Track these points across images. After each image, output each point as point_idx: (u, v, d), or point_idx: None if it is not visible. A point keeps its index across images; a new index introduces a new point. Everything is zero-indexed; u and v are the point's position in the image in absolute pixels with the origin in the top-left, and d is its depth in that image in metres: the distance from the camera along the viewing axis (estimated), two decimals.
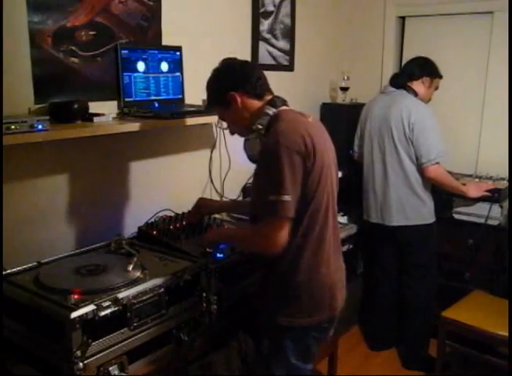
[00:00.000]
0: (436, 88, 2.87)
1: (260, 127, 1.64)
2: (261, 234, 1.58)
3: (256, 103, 1.69)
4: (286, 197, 1.50)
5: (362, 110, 2.95)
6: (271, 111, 1.65)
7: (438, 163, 2.62)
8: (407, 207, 2.72)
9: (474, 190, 2.78)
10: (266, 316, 1.73)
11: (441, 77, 2.84)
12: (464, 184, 2.81)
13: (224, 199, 2.74)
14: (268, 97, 1.71)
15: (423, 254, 2.80)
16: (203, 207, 2.11)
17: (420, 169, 2.66)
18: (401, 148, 2.68)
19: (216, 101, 1.74)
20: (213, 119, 2.38)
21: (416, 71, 2.79)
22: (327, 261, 1.67)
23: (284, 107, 1.70)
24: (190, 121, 2.16)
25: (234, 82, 1.68)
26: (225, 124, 1.86)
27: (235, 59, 1.75)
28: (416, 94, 2.75)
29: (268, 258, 1.66)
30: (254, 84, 1.68)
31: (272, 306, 1.69)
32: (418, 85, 2.78)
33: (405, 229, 2.75)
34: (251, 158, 1.74)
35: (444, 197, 2.91)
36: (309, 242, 1.62)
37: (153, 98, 2.22)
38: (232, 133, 1.82)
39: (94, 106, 1.93)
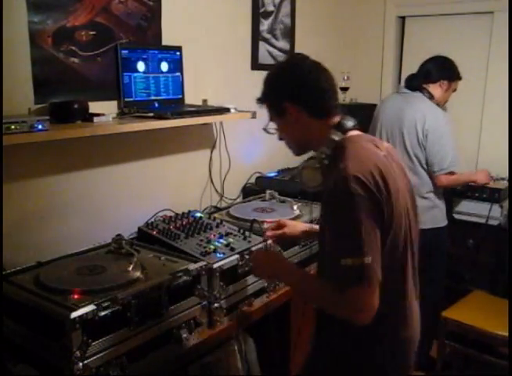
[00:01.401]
0: (454, 90, 2.75)
1: (323, 156, 1.40)
2: (346, 304, 1.28)
3: (317, 125, 1.42)
4: (367, 260, 1.22)
5: (376, 109, 2.92)
6: (337, 137, 1.39)
7: (450, 172, 2.59)
8: (420, 211, 2.70)
9: (483, 177, 2.79)
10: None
11: (460, 78, 2.72)
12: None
13: (224, 199, 2.74)
14: (336, 118, 1.42)
15: (433, 258, 2.77)
16: (286, 225, 1.83)
17: (432, 176, 2.63)
18: (412, 152, 2.63)
19: (269, 103, 1.49)
20: (213, 119, 2.38)
21: (434, 73, 2.68)
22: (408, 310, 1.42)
23: (352, 133, 1.42)
24: (190, 121, 2.16)
25: (293, 93, 1.40)
26: (271, 125, 1.55)
27: (305, 59, 1.45)
28: (431, 96, 2.67)
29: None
30: (318, 102, 1.40)
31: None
32: (435, 88, 2.68)
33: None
34: (306, 189, 1.50)
35: (444, 197, 2.91)
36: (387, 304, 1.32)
37: (153, 98, 2.22)
38: (280, 139, 1.54)
39: (94, 106, 1.93)
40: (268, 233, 1.85)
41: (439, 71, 2.68)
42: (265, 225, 2.14)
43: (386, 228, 1.30)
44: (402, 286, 1.40)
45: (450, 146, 2.59)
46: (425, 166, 2.64)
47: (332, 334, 1.46)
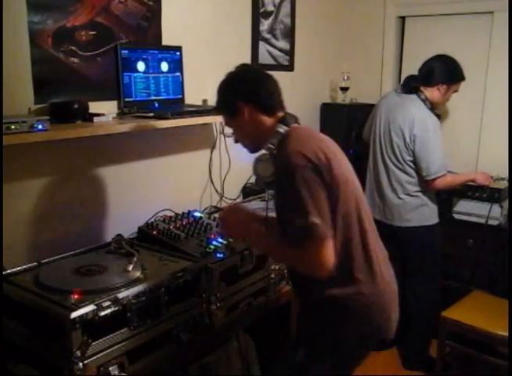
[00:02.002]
0: (455, 91, 2.72)
1: (271, 146, 1.57)
2: (303, 260, 1.50)
3: (266, 120, 1.61)
4: (315, 219, 1.42)
5: (375, 106, 2.94)
6: (282, 129, 1.57)
7: (440, 177, 2.59)
8: (408, 208, 2.71)
9: (482, 177, 2.78)
10: (303, 335, 1.68)
11: (462, 80, 2.68)
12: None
13: (224, 199, 2.74)
14: (280, 114, 1.62)
15: (425, 257, 2.78)
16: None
17: (424, 182, 2.64)
18: (399, 154, 2.66)
19: (224, 107, 1.67)
20: (213, 119, 2.38)
21: (434, 77, 2.64)
22: (379, 274, 1.56)
23: (295, 125, 1.62)
24: (190, 121, 2.16)
25: (245, 92, 1.59)
26: (228, 130, 1.77)
27: (251, 66, 1.69)
28: (427, 99, 2.66)
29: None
30: (267, 99, 1.60)
31: (311, 332, 1.63)
32: (432, 92, 2.66)
33: (406, 230, 2.74)
34: (264, 181, 1.64)
35: (444, 196, 2.91)
36: (351, 255, 1.53)
37: (153, 98, 2.22)
38: (236, 141, 1.72)
39: (94, 106, 1.93)
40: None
41: (439, 75, 2.64)
42: None
43: (334, 195, 1.48)
44: (365, 250, 1.54)
45: (438, 151, 2.58)
46: (414, 168, 2.66)
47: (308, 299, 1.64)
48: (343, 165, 1.56)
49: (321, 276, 1.47)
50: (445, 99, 2.74)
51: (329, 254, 1.45)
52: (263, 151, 1.64)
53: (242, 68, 1.68)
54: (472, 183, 2.86)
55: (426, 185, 2.66)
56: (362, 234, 1.55)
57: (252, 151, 1.68)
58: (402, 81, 2.85)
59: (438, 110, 2.74)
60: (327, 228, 1.45)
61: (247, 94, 1.59)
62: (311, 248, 1.45)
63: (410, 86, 2.73)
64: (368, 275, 1.54)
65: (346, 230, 1.51)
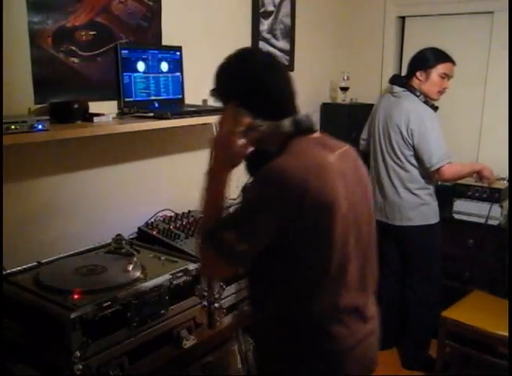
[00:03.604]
0: (448, 77, 2.68)
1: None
2: (201, 256, 1.35)
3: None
4: (243, 246, 1.23)
5: (372, 109, 2.96)
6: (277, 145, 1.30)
7: (444, 166, 2.58)
8: (408, 207, 2.72)
9: (488, 171, 2.77)
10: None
11: (438, 63, 2.65)
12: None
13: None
14: (286, 121, 1.30)
15: (425, 256, 2.79)
16: None
17: (428, 173, 2.65)
18: (399, 151, 2.67)
19: (218, 97, 1.40)
20: (213, 119, 2.37)
21: (409, 68, 2.75)
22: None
23: (302, 137, 1.31)
24: (190, 121, 2.16)
25: (240, 93, 1.30)
26: None
27: (258, 52, 1.38)
28: (419, 91, 2.68)
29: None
30: (265, 105, 1.29)
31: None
32: (415, 82, 2.71)
33: (406, 230, 2.74)
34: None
35: (444, 196, 2.91)
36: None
37: (153, 98, 2.22)
38: None
39: (94, 106, 1.93)
40: None
41: (411, 64, 2.75)
42: None
43: (302, 232, 1.23)
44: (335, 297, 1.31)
45: (437, 142, 2.59)
46: (414, 163, 2.65)
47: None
48: (341, 207, 1.25)
49: (204, 277, 1.56)
50: (433, 87, 2.69)
51: (224, 274, 1.46)
52: None
53: (243, 53, 1.37)
54: (473, 183, 2.86)
55: (434, 177, 2.66)
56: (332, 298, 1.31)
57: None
58: (389, 80, 2.87)
59: (434, 102, 2.74)
60: (248, 260, 1.28)
61: (242, 95, 1.30)
62: (215, 259, 1.28)
63: (400, 81, 2.77)
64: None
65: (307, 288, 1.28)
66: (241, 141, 1.30)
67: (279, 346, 1.36)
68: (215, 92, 1.40)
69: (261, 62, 1.33)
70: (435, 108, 2.71)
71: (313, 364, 1.32)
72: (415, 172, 2.68)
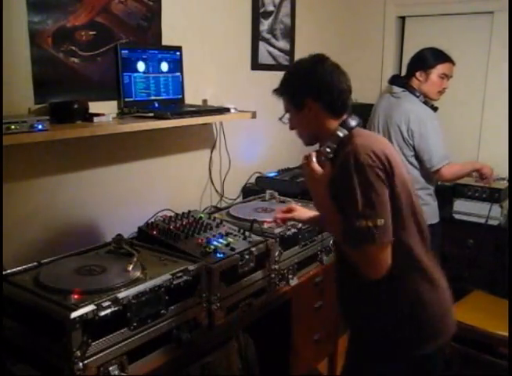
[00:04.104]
0: (447, 77, 2.68)
1: (328, 150, 1.51)
2: (359, 261, 1.43)
3: (330, 122, 1.54)
4: (380, 221, 1.36)
5: (372, 110, 2.95)
6: (342, 133, 1.51)
7: (444, 166, 2.58)
8: None
9: (488, 169, 2.74)
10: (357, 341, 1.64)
11: (438, 63, 2.66)
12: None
13: (224, 199, 2.74)
14: (345, 116, 1.55)
15: None
16: (296, 210, 1.94)
17: (428, 174, 2.65)
18: (399, 151, 2.65)
19: (289, 96, 1.59)
20: (213, 119, 2.38)
21: (408, 68, 2.75)
22: (434, 280, 1.55)
23: (358, 129, 1.55)
24: (190, 121, 2.16)
25: (318, 92, 1.52)
26: (286, 117, 1.65)
27: (329, 60, 1.59)
28: (418, 92, 2.68)
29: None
30: (338, 101, 1.53)
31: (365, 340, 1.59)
32: (415, 82, 2.70)
33: None
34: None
35: (444, 196, 2.91)
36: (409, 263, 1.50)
37: (153, 98, 2.22)
38: (291, 128, 1.65)
39: (94, 106, 1.93)
40: (278, 215, 1.96)
41: (411, 64, 2.74)
42: (265, 226, 2.14)
43: (395, 201, 1.43)
44: (416, 237, 1.52)
45: (437, 142, 2.59)
46: (415, 163, 2.66)
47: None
48: (404, 174, 1.50)
49: (373, 278, 1.42)
50: (433, 87, 2.70)
51: (387, 258, 1.41)
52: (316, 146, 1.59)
53: (320, 62, 1.57)
54: (473, 183, 2.86)
55: (434, 177, 2.65)
56: (421, 241, 1.54)
57: (307, 144, 1.65)
58: (389, 81, 2.86)
59: (434, 102, 2.73)
60: (390, 231, 1.40)
61: (320, 94, 1.52)
62: (370, 251, 1.39)
63: (398, 82, 2.76)
64: (426, 282, 1.54)
65: (407, 237, 1.48)
66: (323, 170, 1.51)
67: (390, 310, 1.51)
68: (284, 91, 1.60)
69: (331, 64, 1.58)
70: (435, 108, 2.71)
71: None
72: (415, 173, 2.67)
